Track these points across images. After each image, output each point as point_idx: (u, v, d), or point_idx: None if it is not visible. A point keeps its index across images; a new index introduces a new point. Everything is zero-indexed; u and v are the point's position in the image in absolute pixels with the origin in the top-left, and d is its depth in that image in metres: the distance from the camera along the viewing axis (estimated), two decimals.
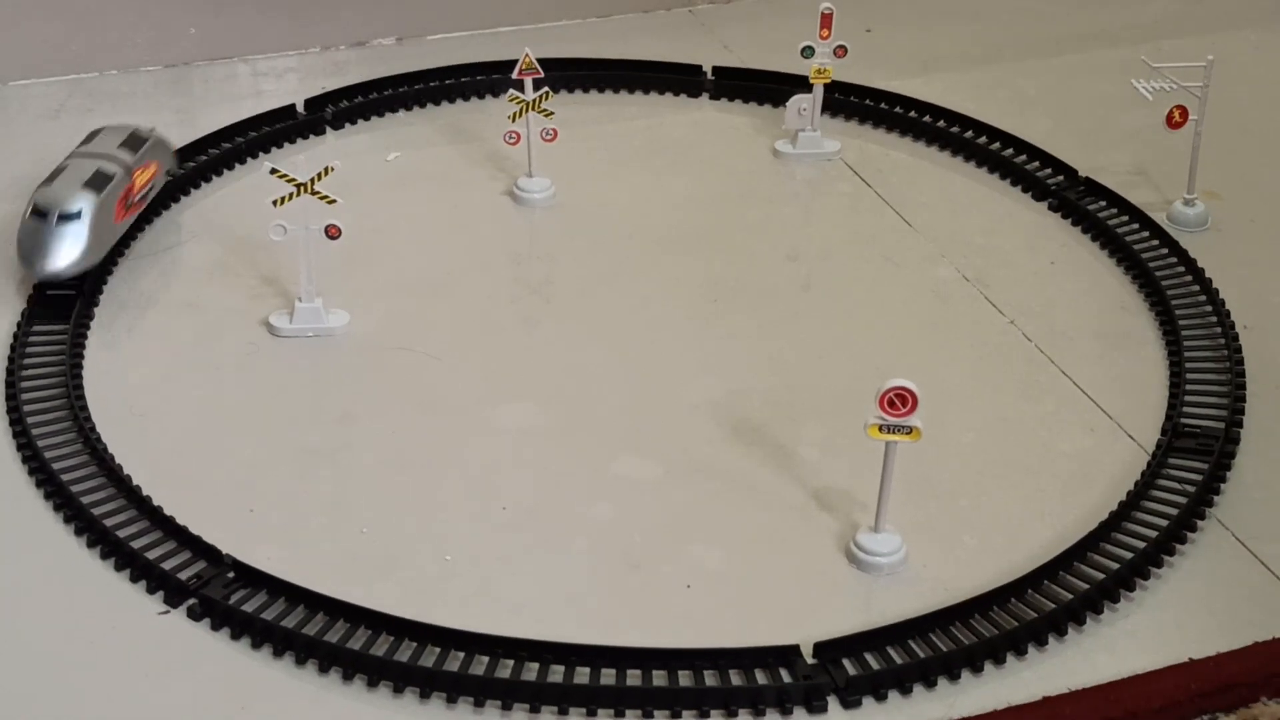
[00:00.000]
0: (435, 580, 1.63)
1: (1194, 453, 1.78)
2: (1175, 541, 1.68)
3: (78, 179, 1.99)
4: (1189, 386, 1.89)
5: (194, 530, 1.64)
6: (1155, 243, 2.16)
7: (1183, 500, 1.72)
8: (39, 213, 1.96)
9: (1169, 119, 2.16)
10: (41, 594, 1.60)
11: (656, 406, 1.88)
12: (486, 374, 1.93)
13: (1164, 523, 1.68)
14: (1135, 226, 2.19)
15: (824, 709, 1.49)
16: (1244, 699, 1.52)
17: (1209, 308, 2.02)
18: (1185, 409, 1.85)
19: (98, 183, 1.99)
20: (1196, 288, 2.07)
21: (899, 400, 1.55)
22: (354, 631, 1.54)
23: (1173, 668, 1.55)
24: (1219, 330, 1.98)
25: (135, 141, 2.09)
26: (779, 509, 1.73)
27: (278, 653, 1.54)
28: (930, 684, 1.52)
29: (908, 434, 1.57)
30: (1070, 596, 1.60)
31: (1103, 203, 2.25)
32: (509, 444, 1.82)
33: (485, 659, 1.51)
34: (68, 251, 1.95)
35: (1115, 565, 1.63)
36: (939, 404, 1.81)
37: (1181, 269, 2.10)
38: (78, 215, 1.95)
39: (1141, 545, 1.66)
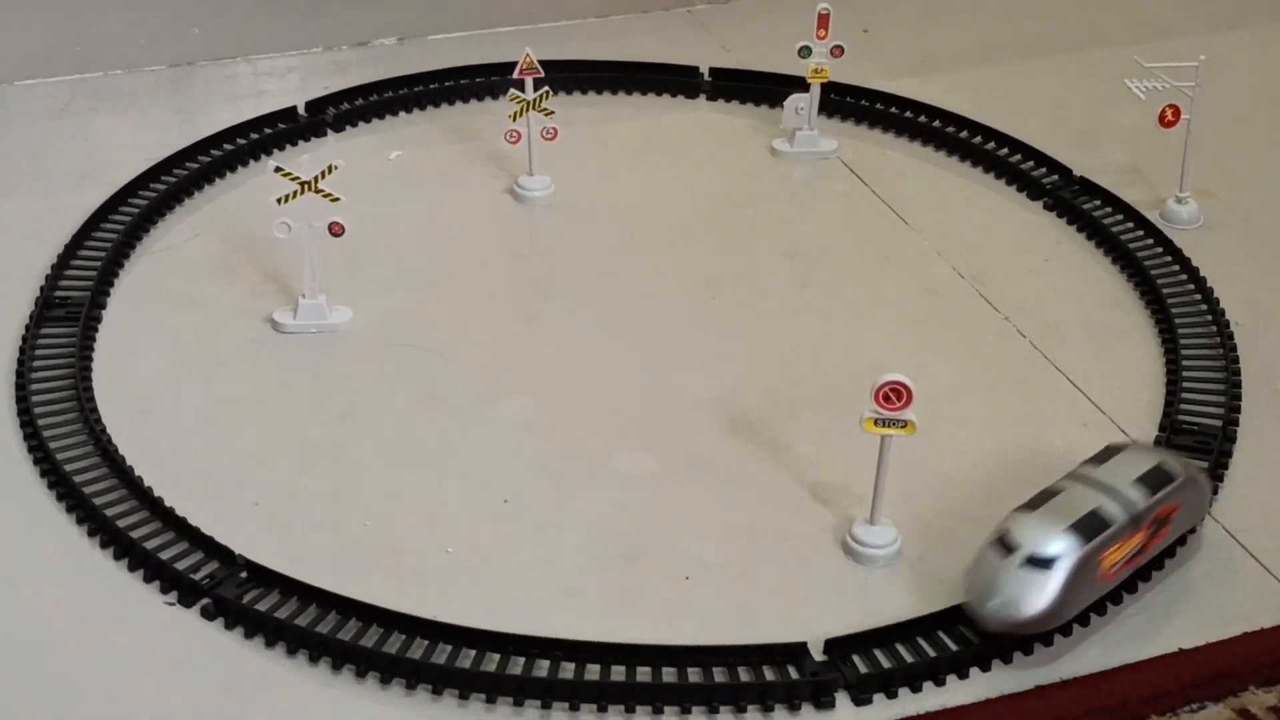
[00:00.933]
0: (436, 572, 1.64)
1: (1192, 450, 1.79)
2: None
3: (1064, 516, 1.56)
4: (1185, 384, 1.91)
5: (201, 525, 1.65)
6: (1149, 240, 2.18)
7: None
8: (1002, 543, 1.56)
9: (1162, 118, 2.17)
10: (53, 591, 1.62)
11: (655, 401, 1.90)
12: (487, 369, 1.94)
13: None
14: (1130, 225, 2.21)
15: (831, 705, 1.51)
16: (1233, 688, 1.53)
17: (1204, 305, 2.04)
18: (1182, 406, 1.87)
19: (1089, 527, 1.55)
20: (1191, 285, 2.08)
21: (894, 395, 1.57)
22: (366, 629, 1.55)
23: (1163, 657, 1.56)
24: (1214, 328, 2.00)
25: (1158, 477, 1.62)
26: (776, 502, 1.75)
27: (290, 650, 1.55)
28: (940, 681, 1.53)
29: (903, 428, 1.59)
30: None
31: (1097, 201, 2.27)
32: (509, 438, 1.84)
33: (496, 656, 1.53)
34: (1029, 598, 1.53)
35: None
36: (934, 399, 1.83)
37: (1176, 266, 2.12)
38: (1050, 562, 1.53)
39: None
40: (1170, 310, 2.03)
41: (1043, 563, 1.52)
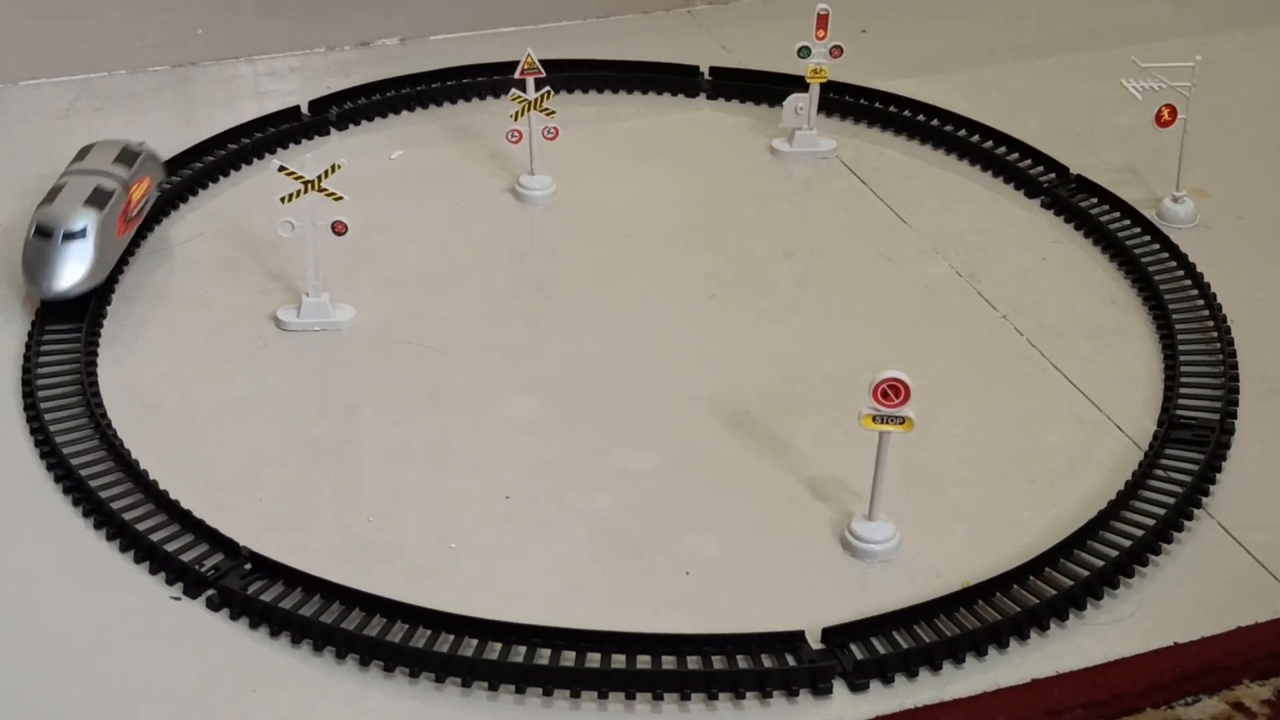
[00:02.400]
0: (439, 567, 1.66)
1: (1190, 444, 1.81)
2: (1173, 529, 1.71)
3: (78, 196, 1.98)
4: (1183, 379, 1.92)
5: (206, 519, 1.67)
6: (1147, 238, 2.19)
7: (1179, 490, 1.74)
8: (43, 232, 1.95)
9: (1158, 118, 2.19)
10: (60, 584, 1.63)
11: (655, 398, 1.91)
12: (489, 367, 1.96)
13: (1161, 511, 1.71)
14: (1127, 223, 2.22)
15: (829, 692, 1.52)
16: (1227, 682, 1.54)
17: (1201, 302, 2.05)
18: (1180, 401, 1.88)
19: (98, 199, 1.98)
20: (1189, 282, 2.10)
21: (892, 391, 1.58)
22: (370, 619, 1.57)
23: (1157, 651, 1.57)
24: (1211, 324, 2.01)
25: (128, 156, 2.08)
26: (775, 498, 1.76)
27: (294, 640, 1.56)
28: (936, 668, 1.54)
29: (900, 424, 1.60)
30: (1071, 583, 1.62)
31: (1094, 200, 2.28)
32: (511, 435, 1.85)
33: (499, 645, 1.54)
34: (73, 270, 1.95)
35: (1114, 553, 1.66)
36: (931, 396, 1.84)
37: (1174, 264, 2.13)
38: (82, 233, 1.95)
39: (1140, 534, 1.68)
40: (1168, 307, 2.04)
41: (76, 235, 1.94)
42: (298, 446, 1.82)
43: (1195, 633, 1.60)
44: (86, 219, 1.95)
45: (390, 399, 1.90)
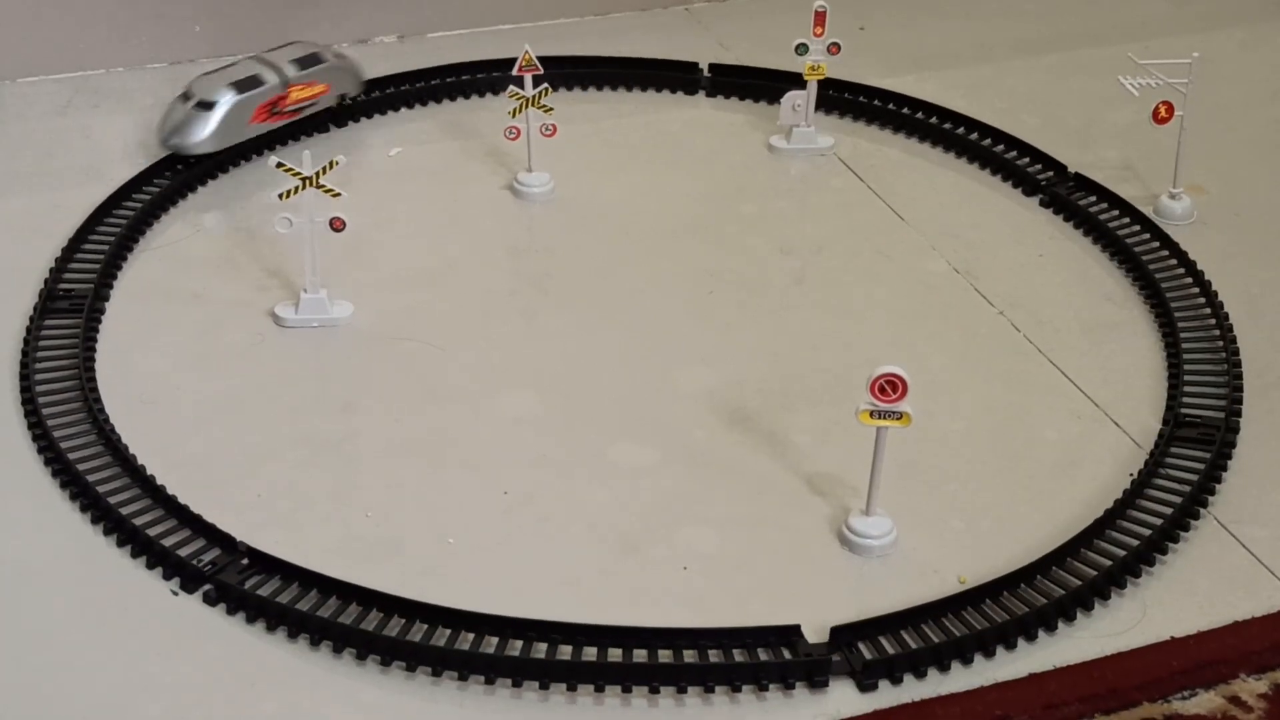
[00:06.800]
0: (437, 562, 1.66)
1: (1195, 442, 1.81)
2: (1179, 529, 1.71)
3: (230, 77, 2.25)
4: (1186, 376, 1.92)
5: (204, 515, 1.67)
6: (1146, 235, 2.19)
7: (1185, 489, 1.74)
8: (184, 95, 2.25)
9: (1155, 115, 2.20)
10: (57, 578, 1.63)
11: (653, 394, 1.92)
12: (487, 363, 1.96)
13: (1168, 510, 1.71)
14: (1125, 220, 2.23)
15: (825, 685, 1.53)
16: (1224, 676, 1.55)
17: (1202, 299, 2.06)
18: (1184, 399, 1.88)
19: (246, 84, 2.24)
20: (1189, 279, 2.10)
21: (889, 386, 1.58)
22: (366, 614, 1.57)
23: (1154, 646, 1.58)
24: (1213, 320, 2.02)
25: (310, 60, 2.32)
26: (773, 493, 1.76)
27: (291, 635, 1.57)
28: (944, 668, 1.55)
29: (898, 419, 1.60)
30: (1079, 583, 1.62)
31: (1092, 197, 2.29)
32: (509, 431, 1.85)
33: (495, 639, 1.54)
34: (193, 132, 2.22)
35: (1122, 552, 1.66)
36: (929, 392, 1.85)
37: (1173, 260, 2.14)
38: (212, 105, 2.22)
39: (1148, 533, 1.69)
40: (1170, 304, 2.05)
41: (208, 105, 2.23)
42: (296, 442, 1.82)
43: (1192, 627, 1.61)
44: (222, 95, 2.23)
45: (388, 395, 1.90)
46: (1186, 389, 1.90)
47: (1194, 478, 1.76)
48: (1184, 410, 1.87)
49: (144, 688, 1.51)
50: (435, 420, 1.86)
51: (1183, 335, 2.00)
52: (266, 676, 1.53)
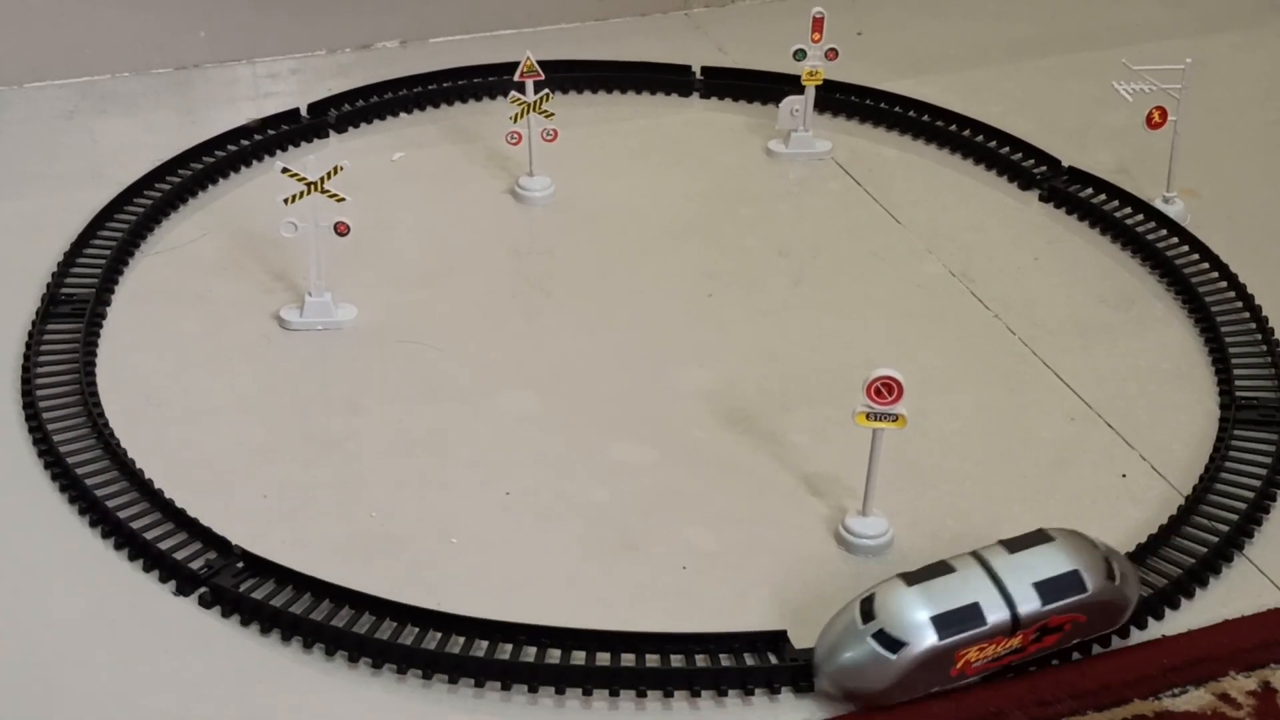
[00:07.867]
0: (440, 561, 1.68)
1: (1257, 424, 1.84)
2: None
3: (933, 595, 1.47)
4: (1234, 368, 1.95)
5: (210, 516, 1.68)
6: (1152, 224, 2.22)
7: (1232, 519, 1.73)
8: (865, 608, 1.49)
9: (1149, 119, 2.21)
10: (54, 580, 1.64)
11: (652, 395, 1.93)
12: (488, 364, 1.97)
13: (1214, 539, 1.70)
14: (1125, 219, 2.25)
15: (811, 689, 1.53)
16: (1214, 673, 1.56)
17: (1224, 283, 2.09)
18: (1236, 388, 1.91)
19: (956, 619, 1.47)
20: (1206, 264, 2.14)
21: (885, 389, 1.60)
22: (359, 617, 1.58)
23: (1145, 644, 1.59)
24: (1240, 306, 2.06)
25: (1064, 585, 1.49)
26: (770, 493, 1.78)
27: (285, 638, 1.58)
28: None
29: (894, 421, 1.61)
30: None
31: (1090, 190, 2.31)
32: (510, 431, 1.87)
33: (485, 643, 1.55)
34: (870, 677, 1.48)
35: (1178, 571, 1.66)
36: (924, 394, 1.86)
37: (1186, 248, 2.17)
38: (902, 645, 1.46)
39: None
40: (1196, 289, 2.09)
41: (892, 643, 1.45)
42: (300, 444, 1.84)
43: (1182, 625, 1.62)
44: (917, 634, 1.46)
45: (391, 396, 1.91)
46: (1237, 379, 1.93)
47: (1243, 507, 1.75)
48: (1239, 394, 1.89)
49: (140, 689, 1.52)
50: (437, 421, 1.88)
51: (1219, 321, 2.03)
52: (260, 678, 1.54)
